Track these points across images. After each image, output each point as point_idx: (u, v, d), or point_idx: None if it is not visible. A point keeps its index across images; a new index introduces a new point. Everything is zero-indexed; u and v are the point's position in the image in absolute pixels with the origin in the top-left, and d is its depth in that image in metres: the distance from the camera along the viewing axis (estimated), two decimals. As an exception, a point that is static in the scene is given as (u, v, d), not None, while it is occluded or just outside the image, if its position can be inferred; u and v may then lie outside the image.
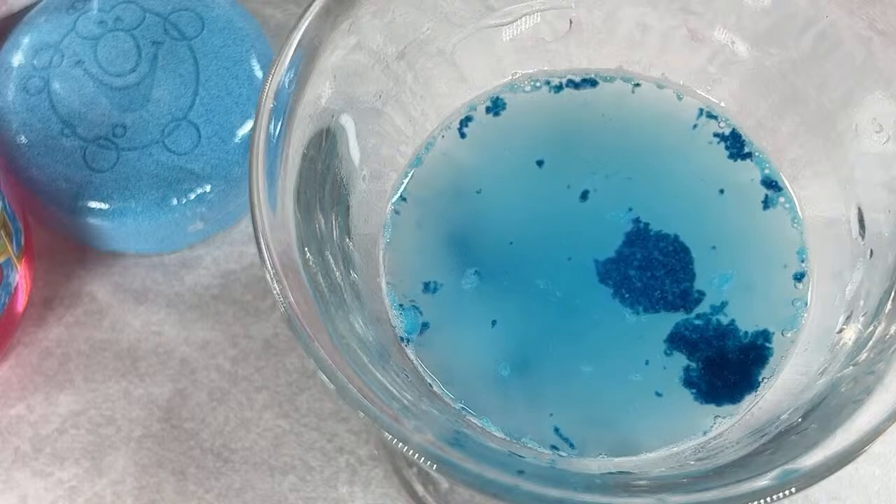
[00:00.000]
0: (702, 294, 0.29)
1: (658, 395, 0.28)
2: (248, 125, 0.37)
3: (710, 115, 0.31)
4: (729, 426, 0.28)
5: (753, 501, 0.23)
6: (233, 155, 0.37)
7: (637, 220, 0.30)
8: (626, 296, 0.29)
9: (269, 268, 0.25)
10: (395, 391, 0.26)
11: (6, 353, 0.37)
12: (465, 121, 0.31)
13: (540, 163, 0.30)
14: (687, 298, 0.29)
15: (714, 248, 0.29)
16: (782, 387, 0.28)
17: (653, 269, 0.29)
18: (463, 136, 0.31)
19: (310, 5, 0.27)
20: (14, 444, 0.36)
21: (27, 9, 0.40)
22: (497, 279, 0.29)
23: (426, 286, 0.29)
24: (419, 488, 0.35)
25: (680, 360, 0.28)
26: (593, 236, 0.29)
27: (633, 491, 0.25)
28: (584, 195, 0.30)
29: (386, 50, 0.30)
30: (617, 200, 0.30)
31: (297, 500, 0.36)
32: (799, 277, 0.29)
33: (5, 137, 0.37)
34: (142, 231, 0.37)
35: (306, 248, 0.26)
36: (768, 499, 0.23)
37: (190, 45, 0.38)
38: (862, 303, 0.28)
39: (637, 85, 0.31)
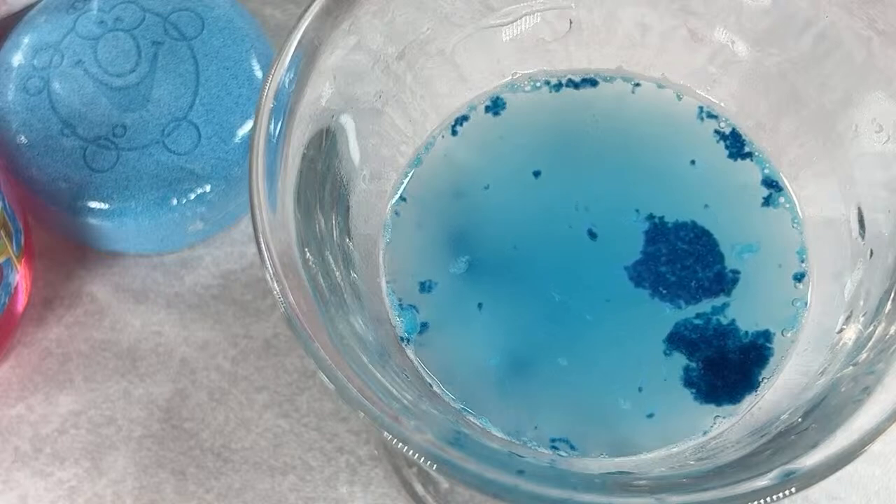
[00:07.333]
0: (736, 273, 0.29)
1: (656, 398, 0.28)
2: (248, 125, 0.37)
3: (710, 115, 0.31)
4: (729, 426, 0.28)
5: (753, 501, 0.23)
6: (233, 155, 0.37)
7: (651, 217, 0.29)
8: (665, 293, 0.29)
9: (269, 268, 0.25)
10: (395, 391, 0.26)
11: (6, 353, 0.37)
12: (465, 121, 0.31)
13: (540, 167, 0.30)
14: (723, 280, 0.29)
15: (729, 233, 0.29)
16: (782, 387, 0.28)
17: (681, 259, 0.29)
18: (463, 136, 0.31)
19: (310, 5, 0.27)
20: (14, 444, 0.36)
21: (27, 9, 0.40)
22: (498, 281, 0.29)
23: (422, 286, 0.29)
24: (419, 488, 0.35)
25: (680, 360, 0.28)
26: (612, 243, 0.29)
27: (633, 491, 0.25)
28: (590, 200, 0.30)
29: (386, 50, 0.30)
30: (624, 203, 0.30)
31: (297, 500, 0.36)
32: (799, 277, 0.29)
33: (5, 137, 0.37)
34: (142, 231, 0.37)
35: (306, 248, 0.26)
36: (768, 499, 0.23)
37: (190, 45, 0.38)
38: (862, 303, 0.28)
39: (637, 85, 0.31)
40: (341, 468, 0.36)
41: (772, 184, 0.30)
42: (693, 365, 0.28)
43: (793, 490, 0.23)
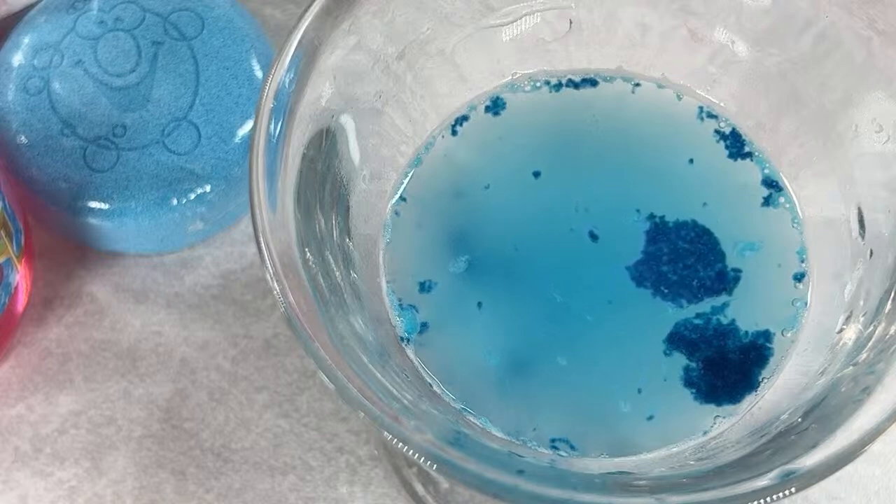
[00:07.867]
0: (738, 272, 0.29)
1: (656, 398, 0.28)
2: (248, 125, 0.37)
3: (710, 115, 0.31)
4: (729, 426, 0.28)
5: (753, 501, 0.23)
6: (233, 155, 0.37)
7: (652, 216, 0.29)
8: (667, 292, 0.29)
9: (269, 268, 0.25)
10: (395, 391, 0.26)
11: (6, 353, 0.37)
12: (465, 121, 0.31)
13: (540, 167, 0.30)
14: (725, 279, 0.29)
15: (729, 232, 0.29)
16: (782, 387, 0.28)
17: (683, 259, 0.29)
18: (463, 136, 0.31)
19: (310, 5, 0.27)
20: (14, 444, 0.36)
21: (27, 9, 0.40)
22: (498, 281, 0.29)
23: (422, 285, 0.29)
24: (419, 488, 0.35)
25: (680, 360, 0.28)
26: (613, 243, 0.29)
27: (633, 491, 0.25)
28: (590, 200, 0.30)
29: (386, 50, 0.30)
30: (624, 203, 0.30)
31: (297, 500, 0.36)
32: (799, 277, 0.29)
33: (5, 137, 0.37)
34: (142, 231, 0.37)
35: (306, 248, 0.26)
36: (768, 499, 0.23)
37: (190, 45, 0.38)
38: (862, 303, 0.28)
39: (637, 85, 0.31)
40: (341, 468, 0.36)
41: (772, 184, 0.30)
42: (693, 365, 0.28)
43: (793, 490, 0.23)
